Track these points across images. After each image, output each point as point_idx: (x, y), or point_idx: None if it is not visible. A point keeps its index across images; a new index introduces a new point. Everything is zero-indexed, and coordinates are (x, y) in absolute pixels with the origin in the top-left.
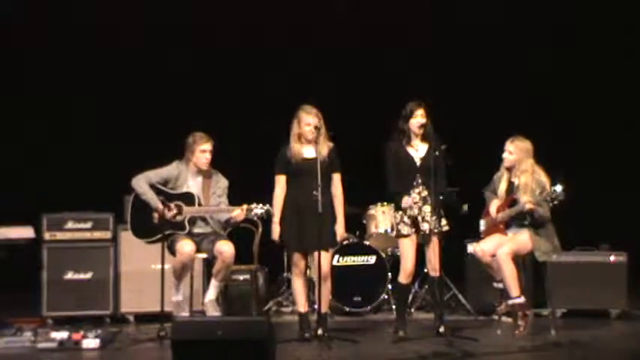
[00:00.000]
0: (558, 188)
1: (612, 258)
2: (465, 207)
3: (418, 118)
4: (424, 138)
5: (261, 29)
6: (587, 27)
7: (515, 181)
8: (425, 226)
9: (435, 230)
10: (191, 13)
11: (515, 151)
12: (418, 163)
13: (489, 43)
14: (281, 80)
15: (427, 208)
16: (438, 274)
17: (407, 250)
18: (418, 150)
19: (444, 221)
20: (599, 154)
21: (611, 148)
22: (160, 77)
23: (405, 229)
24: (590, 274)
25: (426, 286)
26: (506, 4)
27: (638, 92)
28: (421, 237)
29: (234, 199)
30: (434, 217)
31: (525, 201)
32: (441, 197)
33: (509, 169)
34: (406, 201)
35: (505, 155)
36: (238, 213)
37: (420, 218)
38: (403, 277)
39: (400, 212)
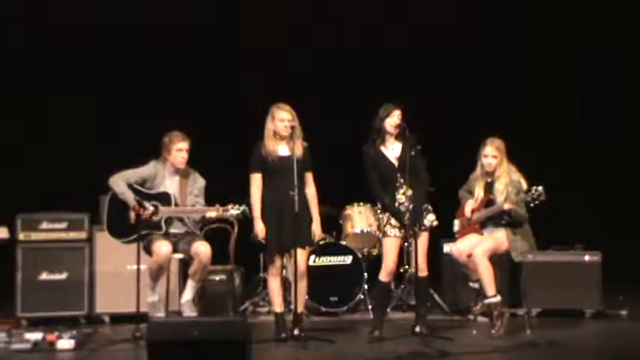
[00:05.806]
0: (540, 188)
1: (587, 258)
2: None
3: (394, 118)
4: (397, 137)
5: (237, 29)
6: (563, 29)
7: (492, 181)
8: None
9: (422, 227)
10: (168, 12)
11: (497, 153)
12: (395, 163)
13: (468, 44)
14: (257, 80)
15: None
16: (424, 273)
17: (390, 247)
18: (393, 149)
19: (432, 216)
20: (575, 154)
21: (587, 148)
22: (135, 77)
23: (391, 231)
24: (565, 274)
25: (402, 286)
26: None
27: (617, 93)
28: (407, 236)
29: (213, 200)
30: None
31: (503, 202)
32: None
33: (488, 171)
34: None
35: (489, 161)
36: (212, 212)
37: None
38: (384, 275)
39: (387, 214)
